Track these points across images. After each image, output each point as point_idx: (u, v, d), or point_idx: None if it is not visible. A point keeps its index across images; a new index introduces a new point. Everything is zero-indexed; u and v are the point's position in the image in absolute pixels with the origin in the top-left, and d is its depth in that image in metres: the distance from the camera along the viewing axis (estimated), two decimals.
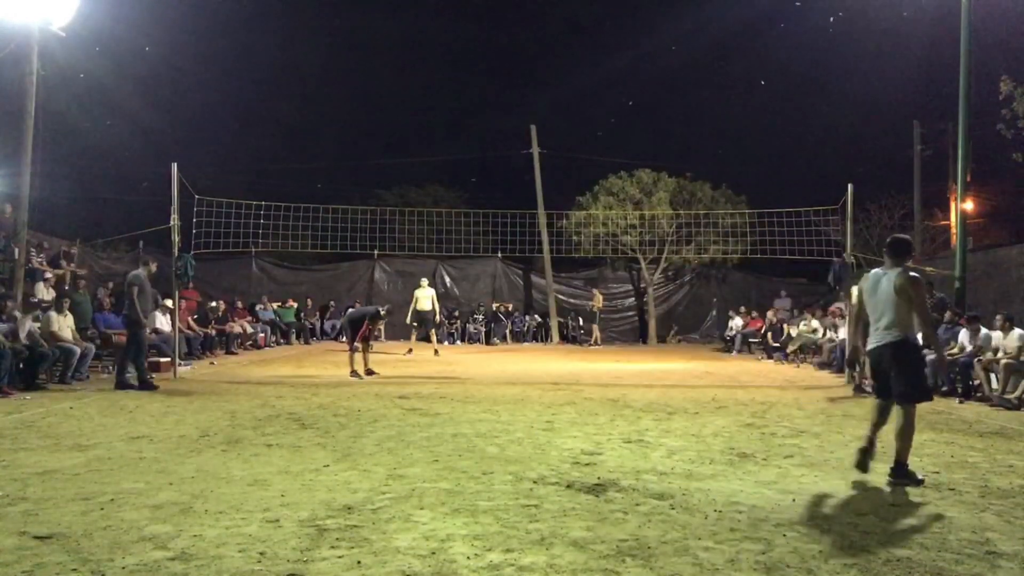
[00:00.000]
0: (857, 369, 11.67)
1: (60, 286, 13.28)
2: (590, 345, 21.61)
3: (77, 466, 5.35)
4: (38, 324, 10.53)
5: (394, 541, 3.77)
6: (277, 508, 4.33)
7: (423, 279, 18.30)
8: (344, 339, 13.23)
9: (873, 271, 5.62)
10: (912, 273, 5.36)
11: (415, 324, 17.79)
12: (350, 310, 14.63)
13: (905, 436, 5.21)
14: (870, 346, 5.51)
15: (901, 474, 5.18)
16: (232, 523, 4.03)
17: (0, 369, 9.07)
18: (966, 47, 12.69)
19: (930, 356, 7.55)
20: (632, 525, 4.10)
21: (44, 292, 11.96)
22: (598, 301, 22.00)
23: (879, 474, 5.47)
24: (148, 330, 10.54)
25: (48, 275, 12.76)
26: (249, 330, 17.53)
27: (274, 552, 3.58)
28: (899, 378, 5.29)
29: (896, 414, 5.30)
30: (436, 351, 17.15)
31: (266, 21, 44.60)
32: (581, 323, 23.02)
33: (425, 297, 17.43)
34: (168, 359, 12.04)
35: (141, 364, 10.23)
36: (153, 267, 10.80)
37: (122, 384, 10.02)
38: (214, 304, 16.95)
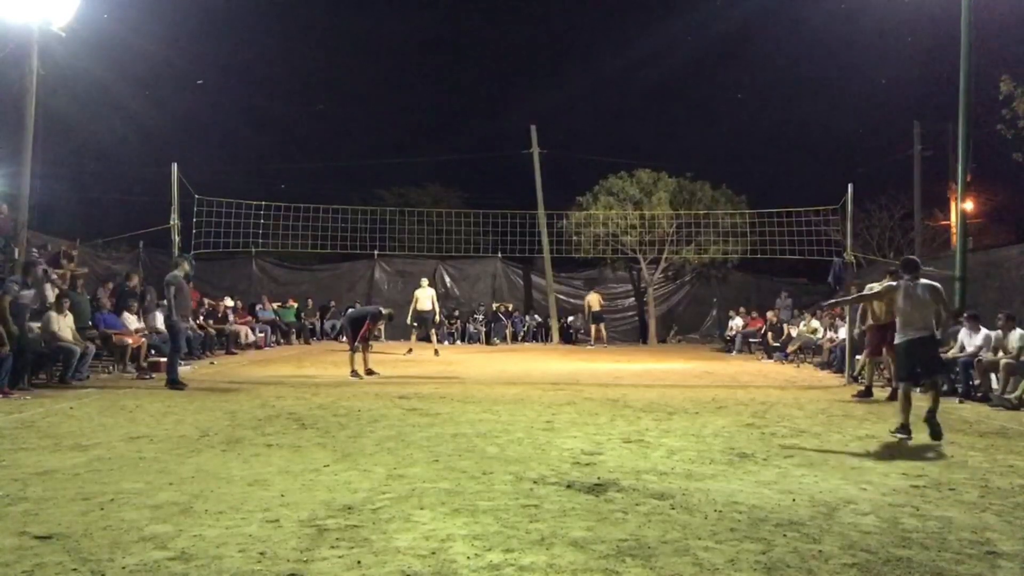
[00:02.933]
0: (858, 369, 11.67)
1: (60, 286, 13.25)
2: (590, 345, 21.64)
3: (77, 466, 5.34)
4: (38, 324, 10.55)
5: (394, 541, 3.77)
6: (277, 508, 4.33)
7: (423, 279, 18.30)
8: (344, 339, 13.24)
9: (902, 282, 7.13)
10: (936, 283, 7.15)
11: (415, 324, 17.79)
12: (350, 310, 14.64)
13: (939, 399, 7.02)
14: (908, 338, 7.00)
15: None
16: (232, 523, 4.03)
17: (0, 369, 9.07)
18: (966, 47, 12.67)
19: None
20: (632, 525, 4.10)
21: (51, 294, 11.95)
22: (593, 303, 21.99)
23: (879, 474, 5.48)
24: (186, 330, 10.64)
25: (55, 276, 12.75)
26: (251, 338, 17.43)
27: (274, 552, 3.58)
28: (935, 360, 7.20)
29: (932, 385, 7.08)
30: (436, 351, 17.15)
31: (266, 21, 44.60)
32: (580, 323, 23.07)
33: (425, 297, 17.43)
34: (164, 359, 12.03)
35: (173, 363, 10.48)
36: (188, 267, 10.84)
37: (173, 384, 10.16)
38: (215, 305, 16.98)
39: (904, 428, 6.91)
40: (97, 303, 12.99)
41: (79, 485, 4.81)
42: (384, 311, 12.58)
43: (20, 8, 12.25)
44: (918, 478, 5.36)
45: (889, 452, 6.33)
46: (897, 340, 7.18)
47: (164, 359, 12.07)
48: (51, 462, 5.47)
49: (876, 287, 8.78)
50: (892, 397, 9.90)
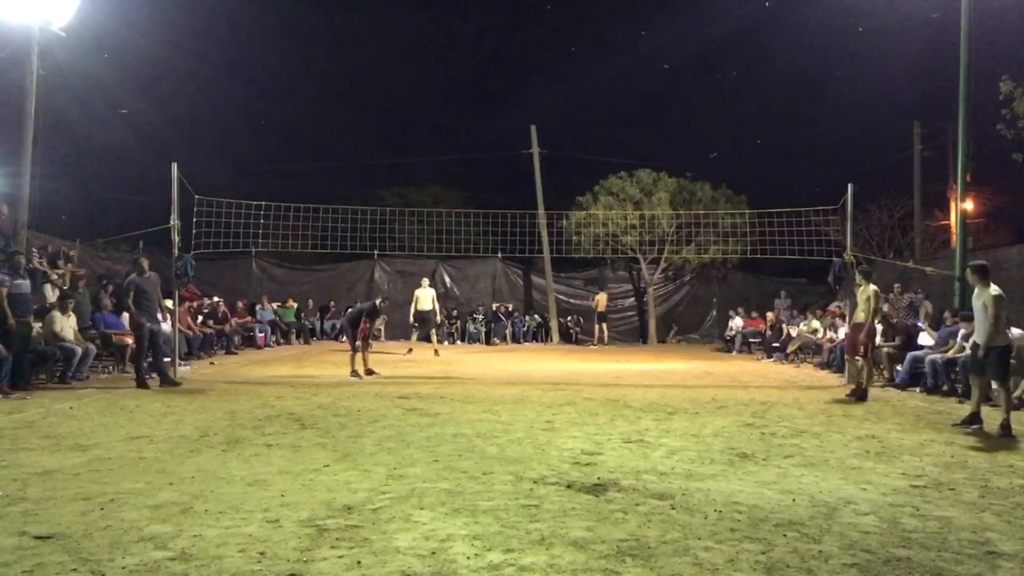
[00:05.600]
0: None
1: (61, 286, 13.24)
2: (592, 344, 21.64)
3: (77, 466, 5.35)
4: (40, 324, 10.55)
5: (394, 541, 3.77)
6: (277, 508, 4.33)
7: (424, 279, 18.31)
8: (345, 339, 13.23)
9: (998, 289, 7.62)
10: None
11: (415, 324, 17.80)
12: (349, 310, 14.63)
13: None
14: (1008, 342, 7.71)
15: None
16: (232, 523, 4.03)
17: (0, 369, 9.07)
18: (966, 47, 12.68)
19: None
20: (632, 525, 4.10)
21: (51, 294, 11.94)
22: (600, 303, 22.07)
23: (879, 474, 5.48)
24: (150, 329, 10.59)
25: (55, 276, 12.75)
26: (239, 339, 17.32)
27: (274, 552, 3.58)
28: None
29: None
30: (436, 351, 17.15)
31: (266, 21, 44.61)
32: (581, 322, 23.09)
33: (425, 297, 17.44)
34: (167, 359, 12.03)
35: (140, 363, 10.45)
36: (145, 264, 10.82)
37: (166, 381, 10.40)
38: (216, 300, 17.02)
39: (977, 418, 7.69)
40: (97, 303, 12.99)
41: (79, 485, 4.81)
42: (379, 302, 12.51)
43: (20, 8, 12.26)
44: (918, 478, 5.37)
45: (889, 452, 6.33)
46: (1004, 342, 7.60)
47: (167, 359, 12.10)
48: (51, 462, 5.47)
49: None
50: (860, 397, 9.80)
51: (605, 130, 40.53)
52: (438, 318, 18.22)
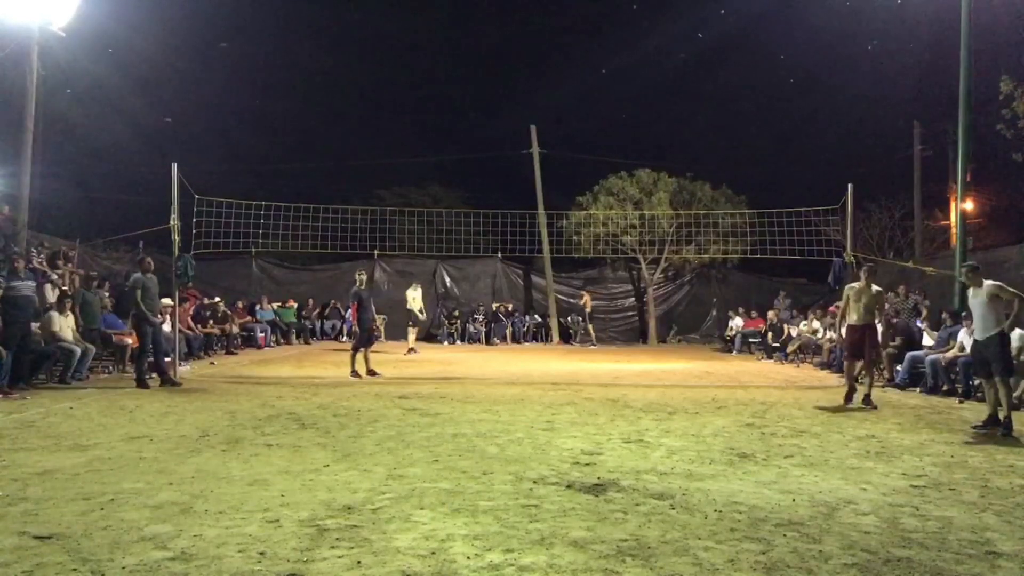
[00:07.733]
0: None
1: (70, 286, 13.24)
2: (591, 345, 21.63)
3: (77, 466, 5.35)
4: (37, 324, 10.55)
5: (394, 541, 3.77)
6: (277, 508, 4.33)
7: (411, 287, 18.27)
8: (346, 338, 13.21)
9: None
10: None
11: (411, 323, 17.76)
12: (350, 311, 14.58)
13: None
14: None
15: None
16: (232, 523, 4.03)
17: (0, 369, 9.07)
18: (966, 47, 12.69)
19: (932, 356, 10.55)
20: (632, 525, 4.10)
21: (51, 294, 11.95)
22: (588, 303, 22.09)
23: (879, 474, 5.48)
24: (154, 328, 10.61)
25: (55, 277, 12.75)
26: (239, 339, 17.31)
27: (274, 552, 3.58)
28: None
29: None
30: (412, 349, 17.05)
31: (266, 21, 44.57)
32: (581, 323, 23.10)
33: (412, 297, 17.43)
34: (168, 359, 12.02)
35: (141, 363, 10.45)
36: (151, 263, 10.84)
37: (166, 381, 10.42)
38: (216, 300, 17.02)
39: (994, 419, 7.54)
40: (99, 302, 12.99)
41: (79, 485, 4.81)
42: (358, 274, 12.44)
43: (20, 8, 12.28)
44: (918, 478, 5.37)
45: (889, 452, 6.34)
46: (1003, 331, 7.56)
47: (165, 359, 12.09)
48: (51, 462, 5.47)
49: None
50: (849, 399, 9.56)
51: (605, 130, 40.55)
52: (421, 315, 18.07)
